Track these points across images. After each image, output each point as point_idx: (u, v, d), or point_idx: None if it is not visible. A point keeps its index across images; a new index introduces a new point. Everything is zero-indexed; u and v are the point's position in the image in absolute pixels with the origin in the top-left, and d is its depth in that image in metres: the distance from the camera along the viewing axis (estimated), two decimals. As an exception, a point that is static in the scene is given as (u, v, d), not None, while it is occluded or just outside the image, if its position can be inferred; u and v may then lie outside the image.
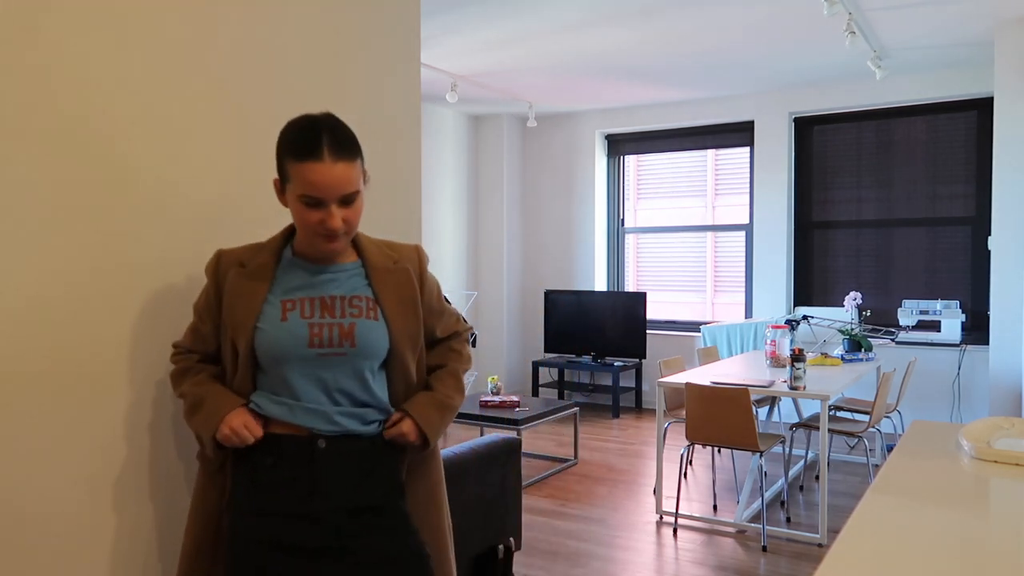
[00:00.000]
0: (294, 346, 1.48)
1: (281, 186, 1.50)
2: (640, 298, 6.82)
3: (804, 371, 3.72)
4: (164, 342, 1.72)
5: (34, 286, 1.50)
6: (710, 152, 7.05)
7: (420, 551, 1.55)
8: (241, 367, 1.52)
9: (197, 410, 1.52)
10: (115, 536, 1.65)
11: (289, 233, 1.59)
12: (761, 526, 3.77)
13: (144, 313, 1.68)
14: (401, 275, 1.59)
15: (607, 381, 7.23)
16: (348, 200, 1.46)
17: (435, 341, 1.69)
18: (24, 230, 1.49)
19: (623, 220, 7.50)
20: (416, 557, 1.53)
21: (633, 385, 7.19)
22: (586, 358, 7.11)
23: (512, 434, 4.42)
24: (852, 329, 5.05)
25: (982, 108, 5.83)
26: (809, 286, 6.54)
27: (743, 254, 6.86)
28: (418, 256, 1.65)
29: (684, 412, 3.91)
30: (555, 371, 7.36)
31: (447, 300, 1.74)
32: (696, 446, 5.40)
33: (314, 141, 1.42)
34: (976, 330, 5.83)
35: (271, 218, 1.98)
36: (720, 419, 3.70)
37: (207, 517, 1.55)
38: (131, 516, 1.67)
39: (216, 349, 1.58)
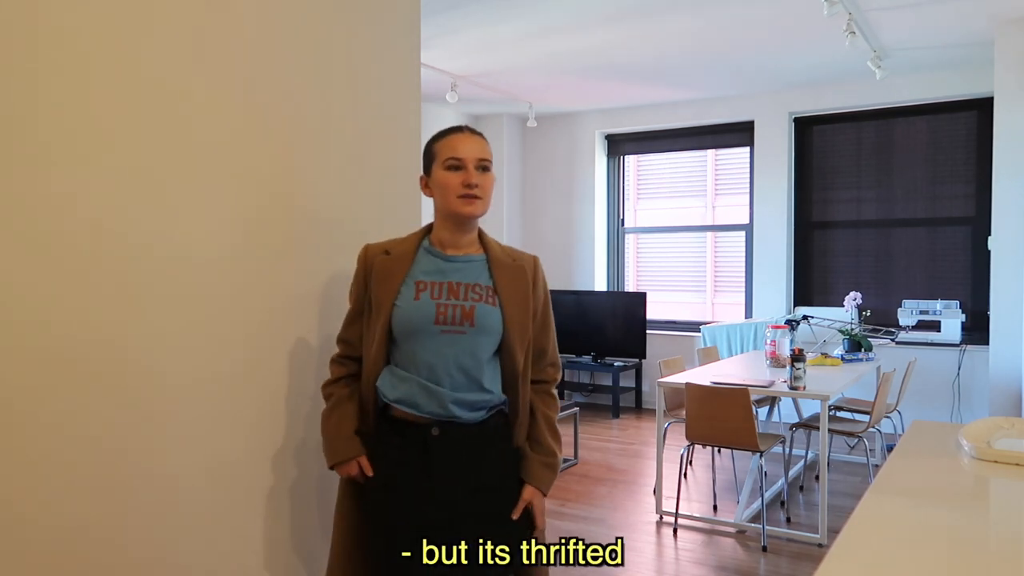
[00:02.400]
0: (422, 322, 1.71)
1: (426, 173, 1.82)
2: (640, 298, 6.82)
3: (804, 371, 3.72)
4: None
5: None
6: (710, 152, 7.05)
7: (530, 525, 1.77)
8: (377, 341, 1.74)
9: (325, 442, 1.83)
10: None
11: (427, 229, 1.85)
12: (761, 526, 3.77)
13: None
14: (518, 271, 1.81)
15: (607, 381, 7.22)
16: (483, 167, 1.77)
17: (534, 364, 1.84)
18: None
19: (623, 220, 7.50)
20: (524, 531, 1.75)
21: (633, 385, 7.18)
22: (586, 358, 7.10)
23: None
24: (852, 329, 5.05)
25: (982, 108, 5.82)
26: (809, 286, 6.54)
27: (743, 254, 6.86)
28: (534, 263, 1.87)
29: (684, 412, 3.91)
30: (555, 371, 7.35)
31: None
32: (696, 446, 5.40)
33: (455, 127, 1.81)
34: (976, 330, 5.82)
35: (278, 219, 1.98)
36: (720, 419, 3.70)
37: (353, 490, 1.83)
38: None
39: (359, 333, 1.82)
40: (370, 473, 1.77)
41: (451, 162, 1.76)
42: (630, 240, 7.47)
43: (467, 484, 1.70)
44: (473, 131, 1.80)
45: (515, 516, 1.74)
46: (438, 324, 1.71)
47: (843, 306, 5.63)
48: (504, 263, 1.81)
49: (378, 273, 1.79)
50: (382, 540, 1.72)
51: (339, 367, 1.87)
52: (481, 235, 1.86)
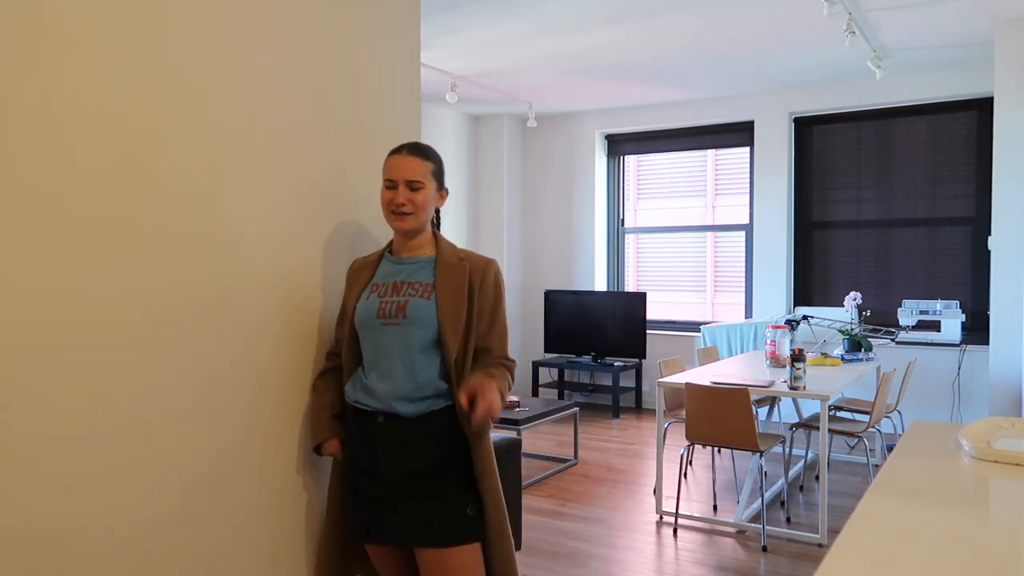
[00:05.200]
0: (368, 317, 1.95)
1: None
2: (640, 298, 6.82)
3: (804, 371, 3.72)
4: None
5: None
6: (710, 152, 7.05)
7: (461, 512, 1.91)
8: (347, 338, 2.01)
9: (310, 427, 2.08)
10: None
11: (391, 242, 2.09)
12: (761, 526, 3.77)
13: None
14: (459, 269, 1.98)
15: (607, 381, 7.22)
16: (413, 186, 1.95)
17: (481, 360, 1.98)
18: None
19: (623, 220, 7.50)
20: (454, 516, 1.90)
21: (633, 385, 7.19)
22: (586, 358, 7.11)
23: (512, 434, 4.42)
24: (852, 329, 5.05)
25: (982, 108, 5.83)
26: (809, 286, 6.55)
27: (743, 254, 6.86)
28: (485, 265, 2.00)
29: (684, 412, 3.91)
30: (555, 371, 7.36)
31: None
32: (696, 446, 5.40)
33: (399, 146, 1.99)
34: (976, 330, 5.83)
35: (276, 219, 1.98)
36: (720, 419, 3.70)
37: (338, 469, 2.09)
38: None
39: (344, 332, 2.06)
40: (340, 457, 2.05)
41: (386, 182, 1.98)
42: (630, 240, 7.47)
43: (405, 467, 1.91)
44: (414, 150, 1.97)
45: (464, 403, 1.83)
46: (379, 318, 1.94)
47: (843, 306, 5.63)
48: (449, 263, 1.98)
49: (349, 281, 2.07)
50: (349, 499, 2.01)
51: (328, 361, 2.13)
52: (437, 239, 2.05)
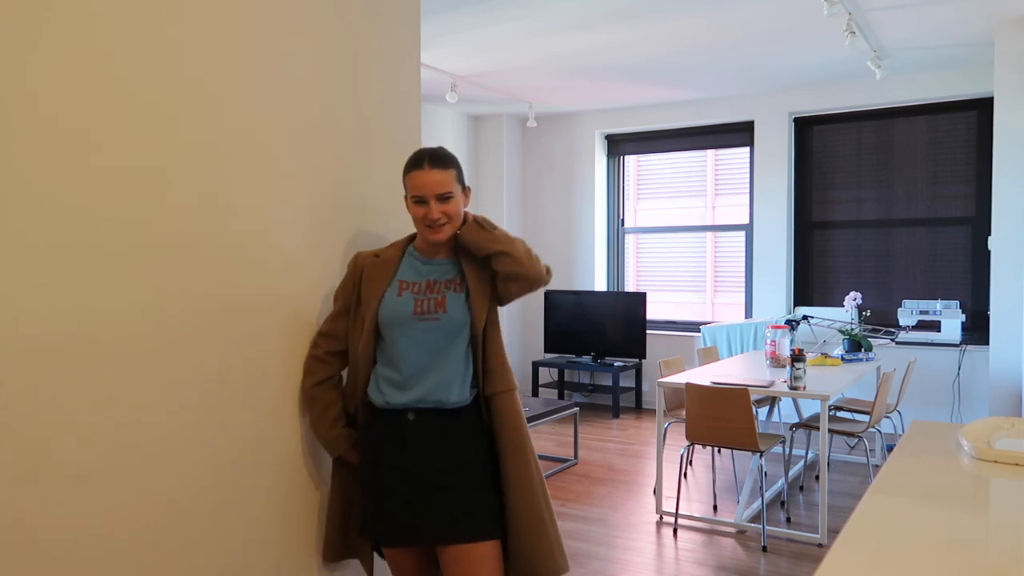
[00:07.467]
0: (404, 314, 1.97)
1: (405, 196, 2.02)
2: (640, 298, 6.82)
3: (804, 371, 3.72)
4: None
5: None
6: (710, 152, 7.05)
7: (494, 506, 1.96)
8: (366, 333, 2.00)
9: (322, 442, 2.07)
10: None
11: (412, 237, 2.11)
12: (761, 526, 3.77)
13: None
14: (483, 261, 2.01)
15: (607, 381, 7.22)
16: (444, 198, 1.96)
17: None
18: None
19: (623, 220, 7.50)
20: (487, 511, 1.94)
21: (633, 385, 7.19)
22: (586, 358, 7.11)
23: (512, 434, 4.41)
24: (852, 329, 5.05)
25: (982, 108, 5.83)
26: (809, 286, 6.54)
27: (743, 254, 6.86)
28: None
29: (684, 412, 3.91)
30: (555, 371, 7.36)
31: None
32: (696, 446, 5.40)
33: (419, 159, 1.97)
34: (976, 330, 5.83)
35: (276, 219, 1.99)
36: (720, 419, 3.70)
37: (345, 470, 2.12)
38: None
39: (345, 328, 2.06)
40: (356, 462, 2.08)
41: (416, 198, 1.97)
42: (630, 240, 7.47)
43: (438, 461, 1.94)
44: (435, 161, 1.96)
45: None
46: (416, 315, 1.96)
47: (843, 306, 5.63)
48: (471, 255, 2.02)
49: (368, 273, 2.05)
50: (370, 503, 2.01)
51: (323, 365, 2.07)
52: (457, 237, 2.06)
